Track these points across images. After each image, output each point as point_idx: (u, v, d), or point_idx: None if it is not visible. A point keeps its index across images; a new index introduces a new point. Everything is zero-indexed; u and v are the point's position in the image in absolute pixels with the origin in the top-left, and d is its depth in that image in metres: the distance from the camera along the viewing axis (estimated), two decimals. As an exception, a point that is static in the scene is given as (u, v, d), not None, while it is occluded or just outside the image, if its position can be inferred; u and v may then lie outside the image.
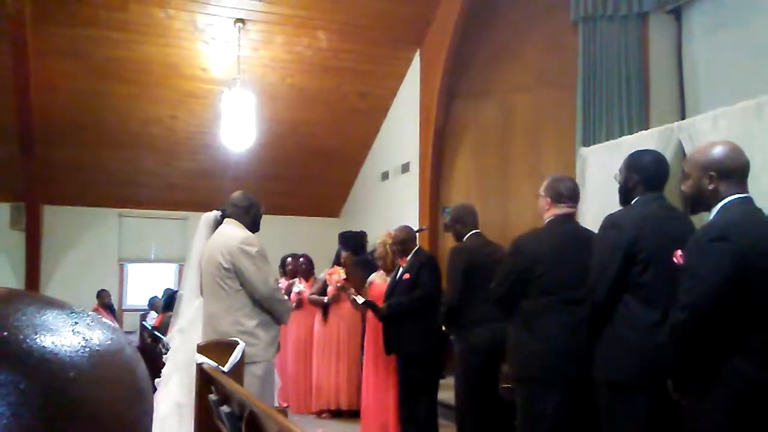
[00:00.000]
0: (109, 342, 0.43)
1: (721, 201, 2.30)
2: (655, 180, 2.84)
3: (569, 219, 3.29)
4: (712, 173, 2.30)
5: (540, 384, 3.12)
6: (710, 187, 2.31)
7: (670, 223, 2.75)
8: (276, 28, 7.17)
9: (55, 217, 8.94)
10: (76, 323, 0.43)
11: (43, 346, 0.40)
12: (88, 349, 0.41)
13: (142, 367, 0.46)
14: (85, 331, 0.42)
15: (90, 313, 0.45)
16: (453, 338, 4.33)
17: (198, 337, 3.61)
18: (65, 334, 0.41)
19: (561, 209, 3.27)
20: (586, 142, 5.53)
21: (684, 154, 4.43)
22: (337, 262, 6.73)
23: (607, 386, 2.73)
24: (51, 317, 0.42)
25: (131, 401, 0.43)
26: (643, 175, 2.82)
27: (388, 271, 5.26)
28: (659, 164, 2.89)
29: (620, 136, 5.16)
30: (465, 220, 4.35)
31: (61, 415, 0.39)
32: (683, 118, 5.10)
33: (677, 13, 5.68)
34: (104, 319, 0.46)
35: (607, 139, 5.31)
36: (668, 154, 4.17)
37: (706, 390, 2.22)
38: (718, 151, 2.35)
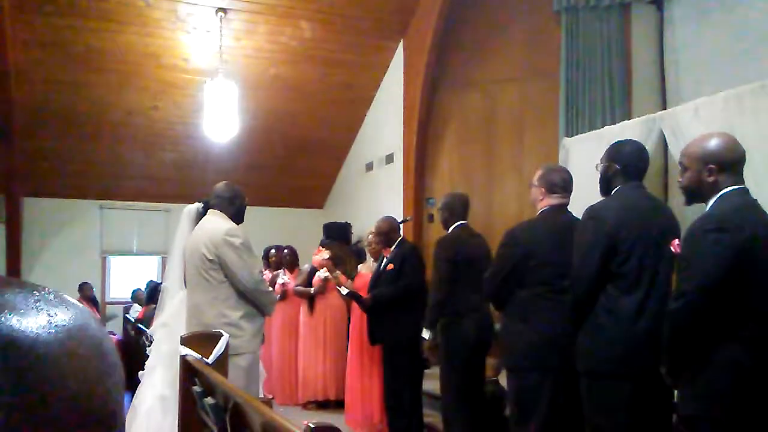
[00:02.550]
0: (73, 318, 0.44)
1: (718, 192, 2.33)
2: (636, 169, 2.86)
3: (562, 209, 3.30)
4: (712, 166, 2.33)
5: (533, 373, 3.15)
6: (710, 179, 2.34)
7: (650, 213, 2.77)
8: (259, 18, 7.11)
9: (35, 210, 8.83)
10: (39, 301, 0.43)
11: (10, 326, 0.40)
12: (54, 326, 0.42)
13: (109, 342, 0.46)
14: (49, 308, 0.43)
15: (51, 290, 0.46)
16: (439, 328, 4.34)
17: (182, 330, 3.60)
18: (29, 313, 0.42)
19: (554, 199, 3.28)
20: (569, 133, 5.55)
21: (665, 144, 4.48)
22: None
23: (590, 375, 2.75)
24: (12, 297, 0.42)
25: (101, 375, 0.44)
26: (624, 164, 2.84)
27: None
28: (640, 154, 2.91)
29: (603, 127, 5.19)
30: (454, 209, 4.35)
31: (34, 391, 0.39)
32: (665, 108, 5.14)
33: (659, 4, 5.71)
34: (66, 297, 0.46)
35: (590, 130, 5.34)
36: (650, 144, 4.20)
37: (701, 377, 2.25)
38: (716, 143, 2.37)
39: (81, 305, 0.47)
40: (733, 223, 2.23)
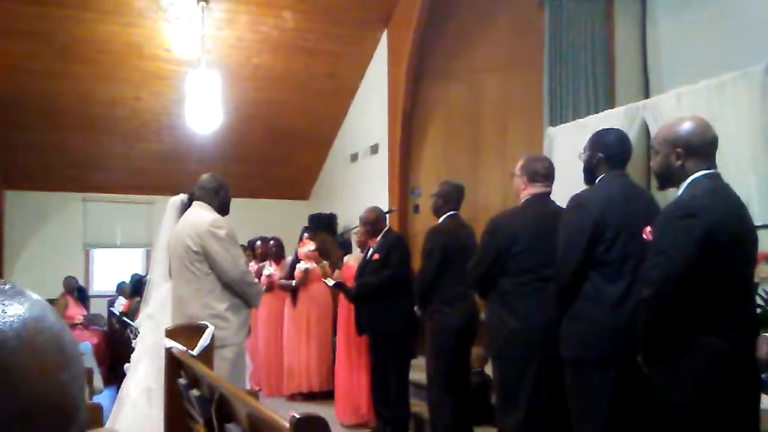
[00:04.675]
0: (30, 310, 0.43)
1: (688, 177, 2.31)
2: (619, 158, 2.88)
3: (545, 198, 3.32)
4: (679, 150, 2.31)
5: (517, 361, 3.17)
6: (677, 163, 2.32)
7: (634, 201, 2.79)
8: (240, 7, 7.05)
9: (17, 203, 8.73)
10: None
11: None
12: (9, 317, 0.41)
13: (68, 334, 0.46)
14: (3, 299, 0.42)
15: (8, 282, 0.45)
16: (425, 318, 4.35)
17: (167, 322, 3.58)
18: None
19: (537, 188, 3.30)
20: (553, 122, 5.57)
21: (648, 133, 4.51)
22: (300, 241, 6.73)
23: (574, 363, 2.77)
24: None
25: (60, 367, 0.43)
26: (607, 153, 2.86)
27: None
28: (623, 142, 2.93)
29: (587, 116, 5.21)
30: (449, 198, 4.32)
31: None
32: (648, 97, 5.17)
33: (641, -7, 5.73)
34: (24, 289, 0.45)
35: (574, 119, 5.36)
36: (633, 133, 4.23)
37: (677, 365, 2.25)
38: (685, 127, 2.35)
39: (38, 297, 0.46)
40: (702, 208, 2.21)
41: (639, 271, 2.66)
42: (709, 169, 2.32)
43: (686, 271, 2.18)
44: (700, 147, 2.31)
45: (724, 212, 2.24)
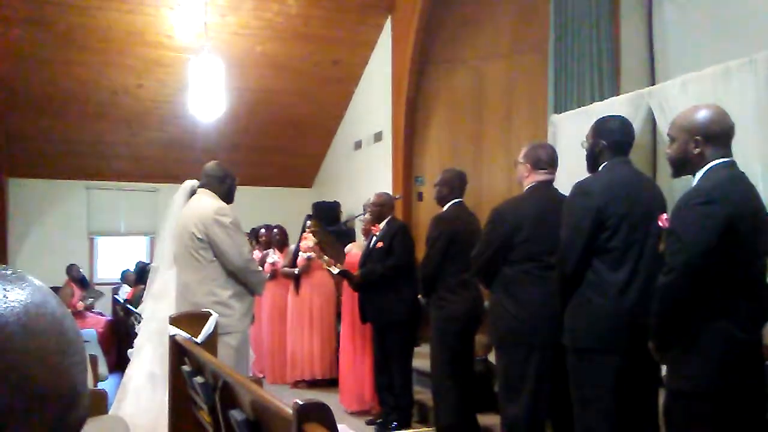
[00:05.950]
0: (31, 295, 0.43)
1: (706, 165, 2.31)
2: (622, 145, 2.86)
3: (549, 186, 3.31)
4: (698, 137, 2.31)
5: (520, 349, 3.17)
6: (696, 151, 2.32)
7: (637, 188, 2.78)
8: (244, -6, 7.01)
9: (20, 191, 8.74)
10: None
11: None
12: (10, 302, 0.41)
13: (69, 319, 0.45)
14: (5, 285, 0.42)
15: (9, 268, 0.45)
16: (430, 306, 4.35)
17: (171, 307, 3.60)
18: None
19: (541, 176, 3.29)
20: (558, 109, 5.53)
21: (654, 120, 4.48)
22: (304, 231, 6.72)
23: (577, 351, 2.77)
24: None
25: (62, 352, 0.43)
26: (610, 140, 2.84)
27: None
28: (625, 129, 2.91)
29: (591, 103, 5.18)
30: (453, 185, 4.31)
31: None
32: (653, 84, 5.13)
33: (648, -21, 5.67)
34: (26, 275, 0.45)
35: (579, 106, 5.32)
36: (638, 120, 4.20)
37: (691, 351, 2.25)
38: (703, 115, 2.35)
39: (40, 283, 0.45)
40: (721, 195, 2.22)
41: (643, 259, 2.65)
42: (726, 157, 2.32)
43: (706, 258, 2.18)
44: (719, 135, 2.32)
45: (742, 200, 2.25)
